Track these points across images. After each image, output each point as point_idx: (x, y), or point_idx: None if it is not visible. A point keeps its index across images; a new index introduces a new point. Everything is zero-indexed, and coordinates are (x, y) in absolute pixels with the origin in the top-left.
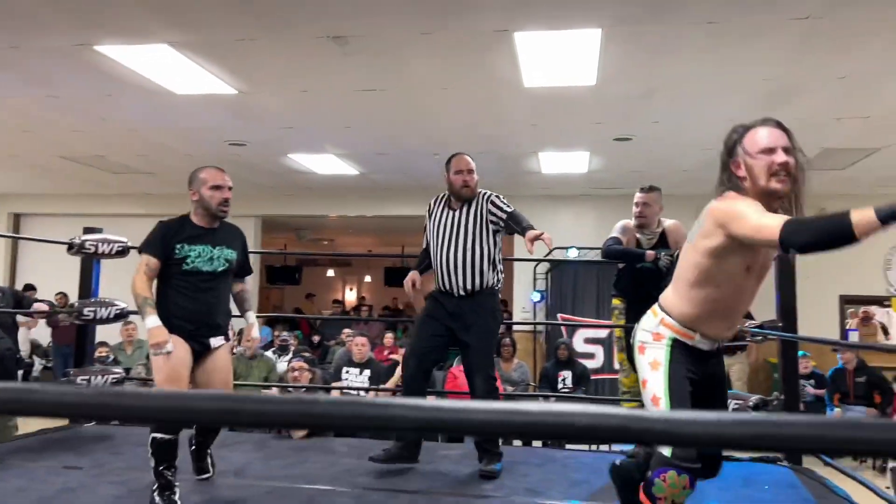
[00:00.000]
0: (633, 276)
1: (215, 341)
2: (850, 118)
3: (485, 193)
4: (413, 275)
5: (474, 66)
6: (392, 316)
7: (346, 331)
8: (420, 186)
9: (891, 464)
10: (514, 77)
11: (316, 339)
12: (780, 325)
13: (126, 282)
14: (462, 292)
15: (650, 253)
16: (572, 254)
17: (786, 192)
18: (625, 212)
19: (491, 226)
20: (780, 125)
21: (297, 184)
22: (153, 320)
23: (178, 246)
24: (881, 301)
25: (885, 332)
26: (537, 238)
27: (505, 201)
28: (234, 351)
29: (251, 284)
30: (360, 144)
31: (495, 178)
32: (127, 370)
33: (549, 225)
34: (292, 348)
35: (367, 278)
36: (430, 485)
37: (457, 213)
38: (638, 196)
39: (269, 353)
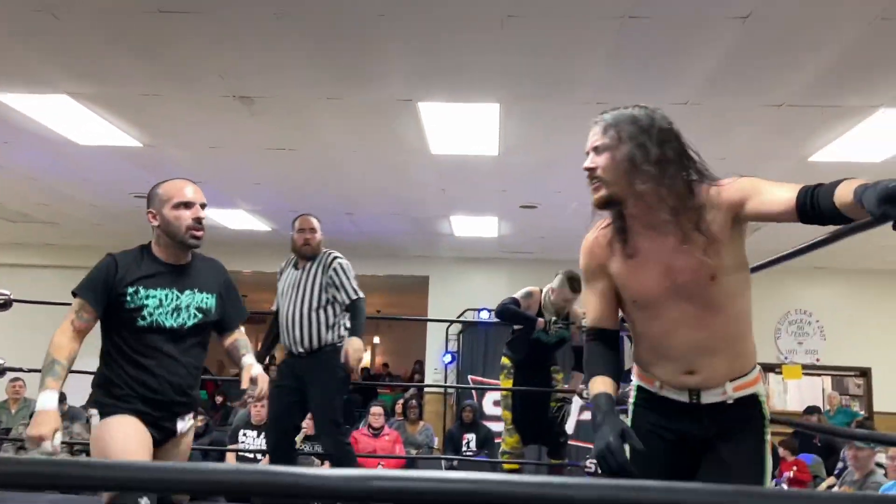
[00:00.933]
0: (526, 339)
1: (182, 424)
2: None
3: (331, 255)
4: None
5: (382, 132)
6: None
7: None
8: (335, 244)
9: None
10: (421, 144)
11: (219, 399)
12: None
13: (5, 337)
14: (301, 349)
15: (540, 321)
16: (484, 316)
17: (599, 199)
18: (536, 275)
19: (330, 289)
20: (601, 121)
21: (207, 239)
22: (47, 399)
23: (131, 290)
24: (773, 368)
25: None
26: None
27: (353, 283)
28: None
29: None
30: (271, 201)
31: (412, 239)
32: (6, 430)
33: (463, 286)
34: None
35: None
36: None
37: (300, 273)
38: (570, 294)
39: None
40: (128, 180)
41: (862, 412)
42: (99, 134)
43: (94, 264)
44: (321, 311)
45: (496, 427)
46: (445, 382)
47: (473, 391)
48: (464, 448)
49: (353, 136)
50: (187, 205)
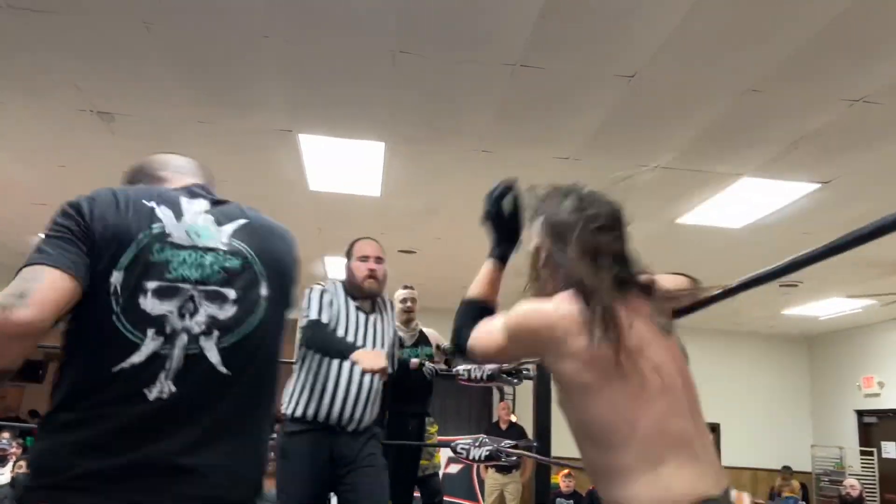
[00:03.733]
0: (399, 384)
1: None
2: None
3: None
4: None
5: (256, 162)
6: None
7: None
8: None
9: None
10: (299, 178)
11: None
12: (535, 444)
13: None
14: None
15: (414, 361)
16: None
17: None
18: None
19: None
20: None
21: None
22: None
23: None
24: None
25: None
26: None
27: None
28: None
29: None
30: None
31: None
32: None
33: None
34: (12, 458)
35: None
36: None
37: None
38: (407, 293)
39: None
40: None
41: None
42: None
43: None
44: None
45: None
46: None
47: None
48: None
49: (224, 165)
50: None
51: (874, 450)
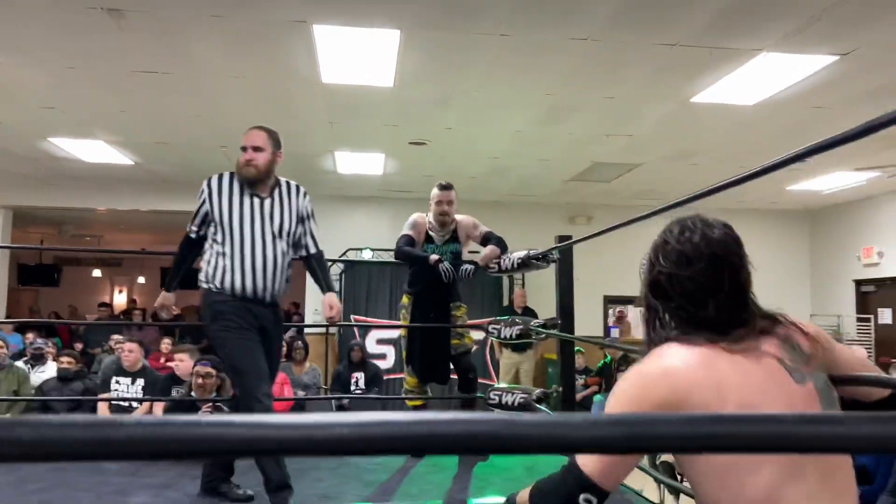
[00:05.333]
0: (425, 274)
1: None
2: (616, 135)
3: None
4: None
5: (269, 56)
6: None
7: (115, 337)
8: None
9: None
10: (312, 71)
11: (78, 346)
12: (560, 322)
13: None
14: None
15: (433, 257)
16: (366, 255)
17: None
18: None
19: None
20: None
21: (58, 172)
22: None
23: None
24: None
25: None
26: None
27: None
28: None
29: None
30: (136, 132)
31: (291, 175)
32: None
33: (345, 226)
34: (49, 357)
35: (141, 279)
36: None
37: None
38: (441, 194)
39: (20, 363)
40: None
41: None
42: None
43: None
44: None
45: (383, 365)
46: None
47: (356, 330)
48: (352, 387)
49: (236, 61)
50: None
51: (871, 317)
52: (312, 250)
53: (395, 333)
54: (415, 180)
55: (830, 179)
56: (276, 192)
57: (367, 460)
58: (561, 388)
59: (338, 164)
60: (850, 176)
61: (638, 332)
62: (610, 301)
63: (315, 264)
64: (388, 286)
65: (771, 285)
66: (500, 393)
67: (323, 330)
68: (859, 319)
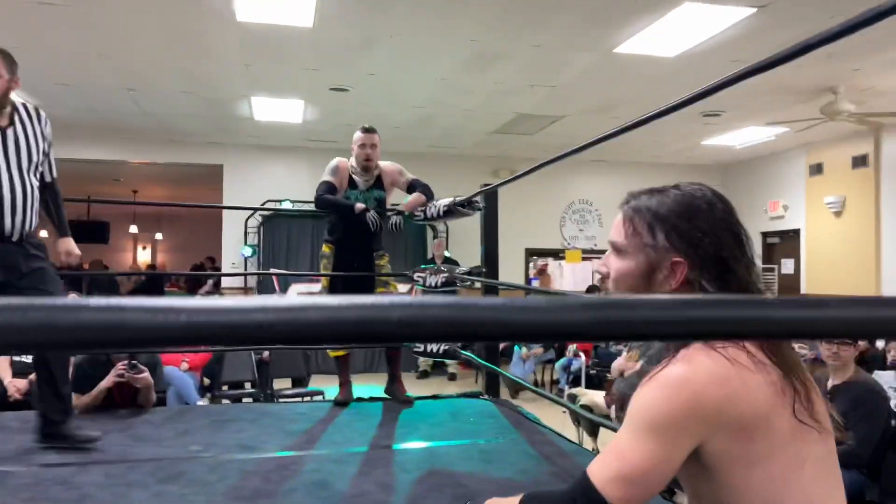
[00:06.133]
0: (346, 223)
1: None
2: (540, 86)
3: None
4: None
5: None
6: None
7: None
8: (111, 126)
9: (567, 390)
10: (226, 7)
11: None
12: (485, 271)
13: None
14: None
15: (359, 206)
16: (287, 206)
17: None
18: None
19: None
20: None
21: None
22: None
23: None
24: (557, 253)
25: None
26: None
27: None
28: None
29: None
30: (33, 71)
31: (205, 122)
32: None
33: (263, 177)
34: None
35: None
36: (128, 451)
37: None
38: (364, 137)
39: None
40: None
41: None
42: None
43: None
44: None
45: None
46: (245, 277)
47: (276, 284)
48: None
49: None
50: None
51: (775, 266)
52: (49, 179)
53: (316, 287)
54: (336, 129)
55: (743, 134)
56: (17, 118)
57: (288, 409)
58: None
59: (255, 110)
60: (761, 131)
61: (559, 283)
62: (531, 253)
63: (50, 197)
64: (309, 240)
65: None
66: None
67: (240, 283)
68: (764, 269)
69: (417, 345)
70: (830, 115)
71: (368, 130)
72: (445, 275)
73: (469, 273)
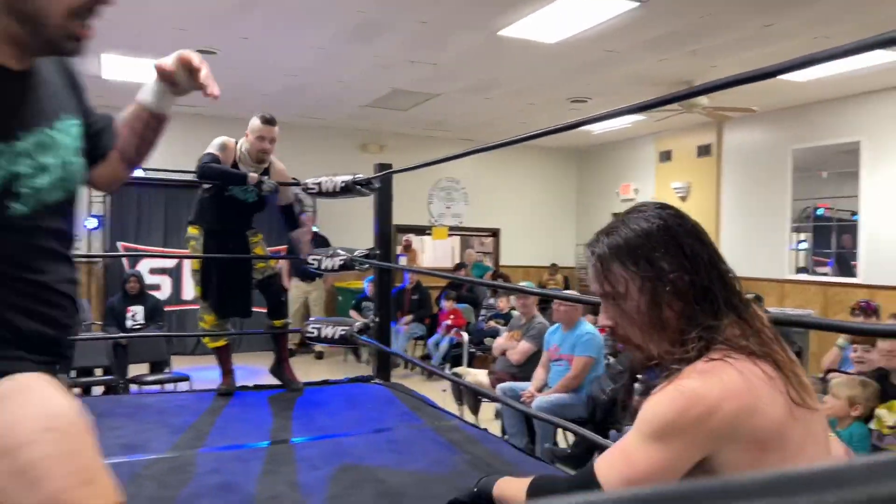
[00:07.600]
0: (219, 203)
1: None
2: (421, 63)
3: None
4: None
5: None
6: None
7: None
8: None
9: (448, 370)
10: None
11: None
12: (378, 252)
13: None
14: None
15: (253, 176)
16: (138, 174)
17: None
18: (203, 133)
19: None
20: None
21: None
22: None
23: None
24: (425, 230)
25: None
26: None
27: None
28: None
29: None
30: None
31: None
32: None
33: None
34: None
35: None
36: None
37: None
38: (265, 129)
39: None
40: None
41: (491, 266)
42: None
43: None
44: None
45: (160, 297)
46: (90, 251)
47: (124, 260)
48: (129, 322)
49: None
50: None
51: None
52: None
53: (170, 263)
54: (196, 94)
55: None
56: None
57: (167, 401)
58: (378, 319)
59: (103, 68)
60: (621, 118)
61: (424, 259)
62: (399, 230)
63: None
64: (161, 211)
65: (543, 217)
66: (318, 326)
67: (85, 259)
68: None
69: (311, 330)
70: (687, 108)
71: (270, 122)
72: (342, 257)
73: (367, 256)
